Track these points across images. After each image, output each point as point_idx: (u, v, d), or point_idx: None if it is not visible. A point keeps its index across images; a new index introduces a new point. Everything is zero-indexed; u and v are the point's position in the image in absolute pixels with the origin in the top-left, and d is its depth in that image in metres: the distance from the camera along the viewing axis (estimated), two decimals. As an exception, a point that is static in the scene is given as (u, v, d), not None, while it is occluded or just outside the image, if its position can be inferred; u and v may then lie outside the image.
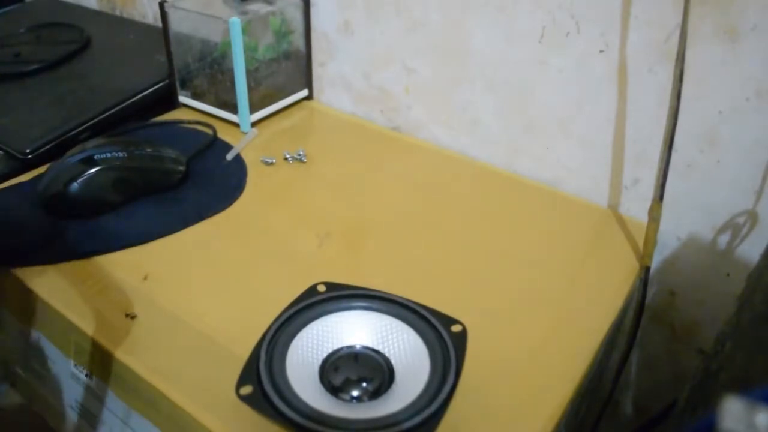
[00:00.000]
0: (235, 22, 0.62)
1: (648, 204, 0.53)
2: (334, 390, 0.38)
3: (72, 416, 0.54)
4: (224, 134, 0.68)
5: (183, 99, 0.73)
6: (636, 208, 0.58)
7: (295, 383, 0.37)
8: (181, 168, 0.59)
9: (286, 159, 0.64)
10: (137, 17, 0.94)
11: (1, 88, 0.72)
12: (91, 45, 0.82)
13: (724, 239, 0.55)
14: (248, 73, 0.66)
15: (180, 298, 0.47)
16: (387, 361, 0.40)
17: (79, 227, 0.53)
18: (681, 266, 0.58)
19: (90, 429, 0.52)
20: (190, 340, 0.43)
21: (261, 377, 0.36)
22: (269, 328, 0.40)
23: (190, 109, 0.73)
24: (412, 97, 0.69)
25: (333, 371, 0.39)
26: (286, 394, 0.36)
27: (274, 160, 0.64)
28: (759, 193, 0.52)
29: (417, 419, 0.34)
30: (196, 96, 0.72)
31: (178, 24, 0.69)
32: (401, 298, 0.42)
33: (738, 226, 0.54)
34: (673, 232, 0.57)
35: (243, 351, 0.39)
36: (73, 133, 0.64)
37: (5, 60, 0.77)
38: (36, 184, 0.56)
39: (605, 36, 0.54)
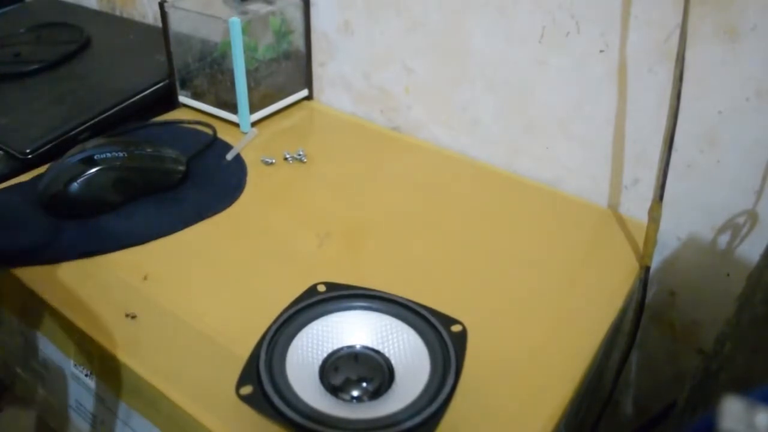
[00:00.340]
0: (235, 22, 0.62)
1: (648, 204, 0.53)
2: (334, 390, 0.38)
3: (72, 416, 0.54)
4: (224, 134, 0.68)
5: (183, 99, 0.73)
6: (636, 208, 0.58)
7: (295, 383, 0.37)
8: (181, 168, 0.59)
9: (286, 159, 0.64)
10: (137, 17, 0.94)
11: (1, 88, 0.72)
12: (91, 45, 0.82)
13: (724, 239, 0.55)
14: (248, 73, 0.66)
15: (180, 298, 0.47)
16: (387, 361, 0.40)
17: (79, 227, 0.53)
18: (681, 266, 0.58)
19: (90, 429, 0.52)
20: (190, 340, 0.43)
21: (261, 377, 0.36)
22: (269, 328, 0.40)
23: (190, 109, 0.73)
24: (412, 97, 0.69)
25: (333, 371, 0.39)
26: (286, 394, 0.36)
27: (274, 160, 0.64)
28: (759, 193, 0.52)
29: (417, 419, 0.34)
30: (196, 96, 0.72)
31: (178, 24, 0.69)
32: (401, 298, 0.42)
33: (738, 226, 0.54)
34: (673, 232, 0.57)
35: (243, 351, 0.39)
36: (73, 133, 0.64)
37: (5, 60, 0.77)
38: (36, 184, 0.56)
39: (605, 36, 0.54)
